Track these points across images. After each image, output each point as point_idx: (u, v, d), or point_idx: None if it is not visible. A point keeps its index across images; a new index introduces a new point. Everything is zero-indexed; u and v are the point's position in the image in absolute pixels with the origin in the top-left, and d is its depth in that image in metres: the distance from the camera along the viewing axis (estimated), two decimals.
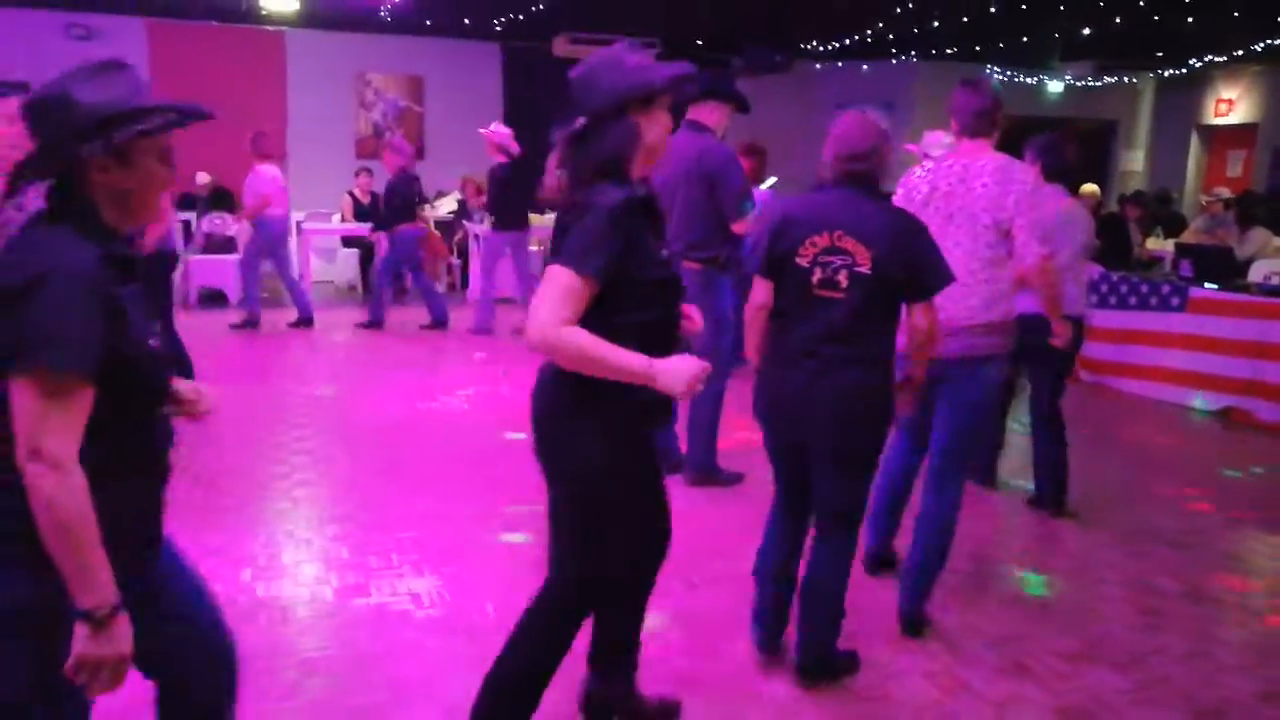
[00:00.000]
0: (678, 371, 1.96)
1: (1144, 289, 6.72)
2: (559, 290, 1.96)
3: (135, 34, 10.55)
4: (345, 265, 10.75)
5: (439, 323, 8.44)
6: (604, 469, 2.11)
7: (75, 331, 1.46)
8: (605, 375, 1.97)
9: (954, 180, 3.08)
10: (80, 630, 1.48)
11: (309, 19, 10.67)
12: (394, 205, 8.33)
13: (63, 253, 1.50)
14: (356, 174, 10.72)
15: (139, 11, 10.40)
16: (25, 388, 1.44)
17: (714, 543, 3.73)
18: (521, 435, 5.22)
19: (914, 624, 3.11)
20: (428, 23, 10.73)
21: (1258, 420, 5.93)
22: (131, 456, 1.63)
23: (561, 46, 11.49)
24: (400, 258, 8.52)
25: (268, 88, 11.31)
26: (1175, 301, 6.48)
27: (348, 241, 10.60)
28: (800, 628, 2.78)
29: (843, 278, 2.61)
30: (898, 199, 3.17)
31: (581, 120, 2.06)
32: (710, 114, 4.26)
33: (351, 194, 10.56)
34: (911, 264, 2.62)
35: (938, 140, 5.62)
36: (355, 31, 11.26)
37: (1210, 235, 8.87)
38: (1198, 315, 6.33)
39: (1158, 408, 6.39)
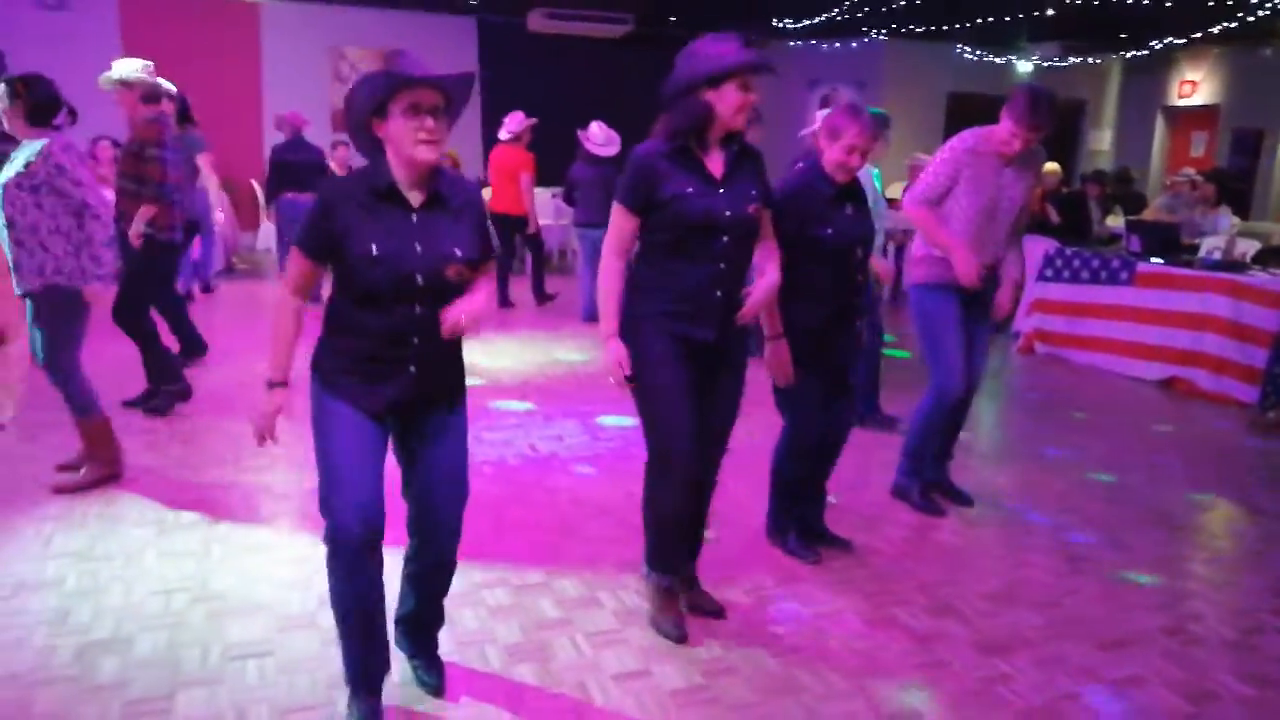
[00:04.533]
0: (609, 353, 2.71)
1: (1095, 263, 6.98)
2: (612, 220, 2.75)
3: (107, 4, 10.55)
4: None
5: None
6: None
7: None
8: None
9: None
10: None
11: None
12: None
13: None
14: (334, 147, 10.79)
15: None
16: None
17: None
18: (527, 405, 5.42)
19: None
20: None
21: (1199, 389, 6.21)
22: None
23: (537, 21, 11.58)
24: None
25: (242, 60, 11.34)
26: (1124, 275, 6.74)
27: None
28: None
29: None
30: None
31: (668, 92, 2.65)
32: None
33: (328, 167, 10.64)
34: None
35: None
36: (330, 4, 11.29)
37: (1171, 214, 9.14)
38: (1144, 289, 6.59)
39: (1106, 378, 6.66)
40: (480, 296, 2.28)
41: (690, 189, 2.64)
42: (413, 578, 2.53)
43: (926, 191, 3.82)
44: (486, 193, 10.12)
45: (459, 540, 2.48)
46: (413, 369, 2.26)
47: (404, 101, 2.13)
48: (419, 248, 2.20)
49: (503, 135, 8.31)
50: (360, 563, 2.26)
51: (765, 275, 2.84)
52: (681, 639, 2.89)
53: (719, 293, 2.73)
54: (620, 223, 2.72)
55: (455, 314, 2.20)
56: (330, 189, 2.24)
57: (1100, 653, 2.95)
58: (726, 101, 2.62)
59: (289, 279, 2.30)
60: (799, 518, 3.56)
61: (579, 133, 7.89)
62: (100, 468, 3.93)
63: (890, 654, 2.89)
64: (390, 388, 2.26)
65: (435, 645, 2.65)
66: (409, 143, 2.15)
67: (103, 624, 2.88)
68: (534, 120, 8.23)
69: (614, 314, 2.71)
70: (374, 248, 2.16)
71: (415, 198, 2.24)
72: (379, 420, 2.30)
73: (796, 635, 2.96)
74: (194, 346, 5.88)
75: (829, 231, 3.14)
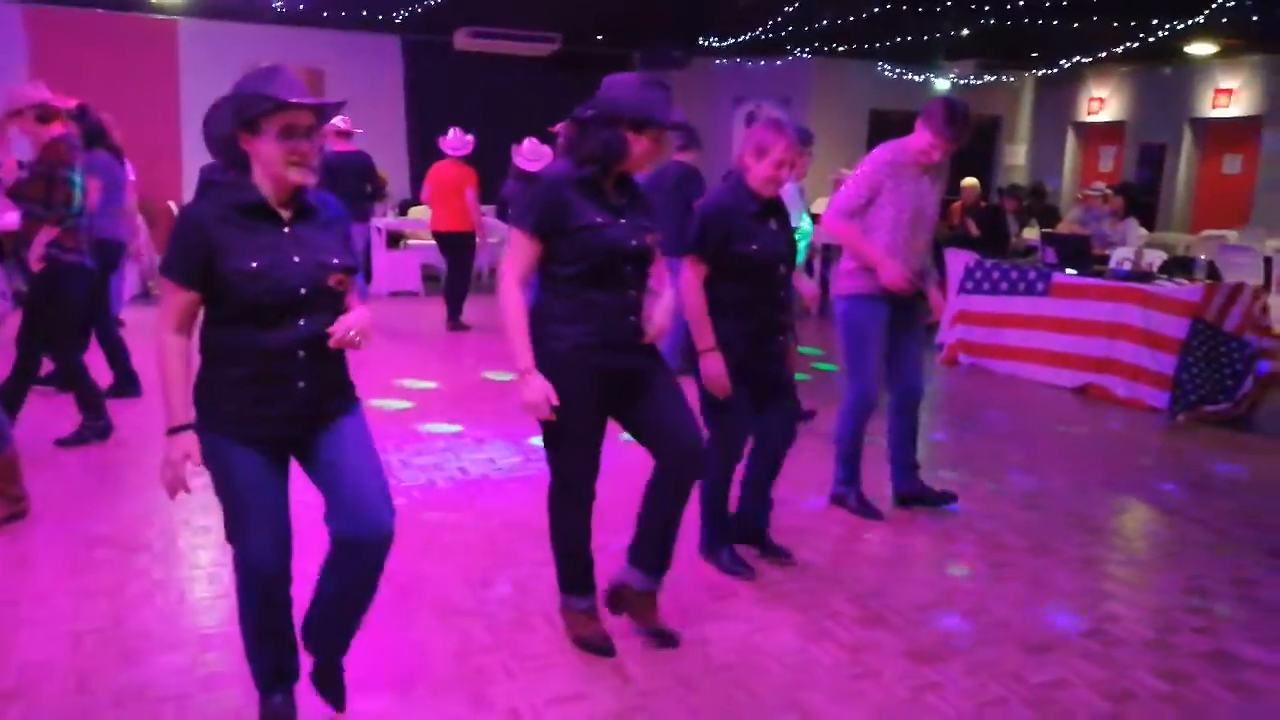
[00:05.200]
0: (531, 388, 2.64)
1: (1013, 275, 7.19)
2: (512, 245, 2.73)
3: (10, 21, 10.18)
4: None
5: None
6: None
7: None
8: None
9: None
10: None
11: (201, 8, 10.48)
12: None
13: None
14: None
15: None
16: None
17: None
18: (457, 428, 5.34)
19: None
20: (324, 14, 10.64)
21: (1112, 395, 6.43)
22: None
23: (462, 40, 11.52)
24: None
25: (158, 79, 11.04)
26: (1040, 286, 6.95)
27: None
28: None
29: None
30: None
31: (588, 114, 2.64)
32: None
33: None
34: None
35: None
36: (250, 22, 11.07)
37: (1083, 227, 9.47)
38: (1060, 299, 6.81)
39: (1026, 386, 6.86)
40: (364, 311, 2.29)
41: (599, 219, 2.67)
42: (336, 587, 2.36)
43: (846, 205, 3.90)
44: (421, 211, 10.00)
45: (390, 541, 2.32)
46: (301, 384, 2.23)
47: (279, 123, 2.12)
48: (297, 259, 2.19)
49: (450, 151, 8.24)
50: (273, 589, 2.30)
51: (661, 296, 2.88)
52: (610, 651, 2.89)
53: (631, 318, 2.78)
54: (524, 247, 2.69)
55: (343, 327, 2.19)
56: (192, 211, 2.20)
57: (1026, 656, 3.01)
58: (641, 146, 2.69)
59: (168, 317, 2.20)
60: (741, 525, 3.59)
61: (513, 148, 7.90)
62: (6, 505, 3.75)
63: (823, 667, 2.91)
64: (279, 407, 2.22)
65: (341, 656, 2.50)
66: (281, 164, 2.14)
67: (6, 671, 2.74)
68: (471, 136, 8.30)
69: (528, 345, 2.67)
70: (252, 263, 2.13)
71: (284, 212, 2.23)
72: (275, 446, 2.26)
73: (730, 652, 2.97)
74: (128, 384, 5.68)
75: (754, 247, 3.18)
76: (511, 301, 2.67)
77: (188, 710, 2.57)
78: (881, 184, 3.85)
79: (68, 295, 4.65)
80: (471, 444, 5.06)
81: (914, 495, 4.24)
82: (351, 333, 2.19)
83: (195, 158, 10.77)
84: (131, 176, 6.79)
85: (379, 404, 5.63)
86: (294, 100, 2.10)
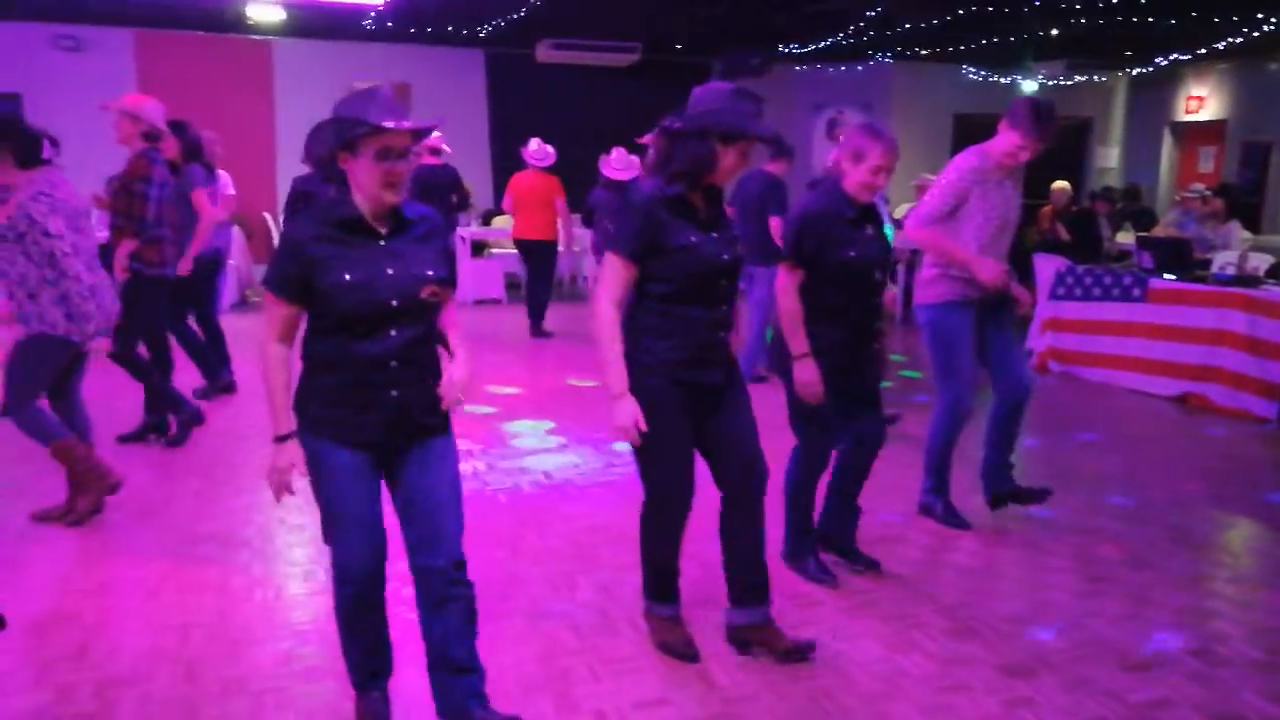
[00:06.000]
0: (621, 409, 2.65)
1: (1107, 280, 6.96)
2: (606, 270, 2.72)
3: (123, 44, 10.72)
4: None
5: None
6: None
7: None
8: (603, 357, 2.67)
9: None
10: None
11: (295, 28, 10.85)
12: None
13: None
14: None
15: (127, 22, 10.56)
16: None
17: None
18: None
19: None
20: (411, 30, 10.92)
21: (1213, 405, 6.16)
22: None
23: (544, 53, 11.69)
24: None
25: (255, 97, 11.48)
26: (1136, 292, 6.71)
27: None
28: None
29: None
30: None
31: (677, 126, 2.63)
32: None
33: None
34: None
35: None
36: (341, 40, 11.43)
37: (1182, 230, 9.11)
38: (1157, 305, 6.57)
39: (1120, 395, 6.62)
40: (461, 360, 2.39)
41: (694, 238, 2.67)
42: (432, 620, 2.41)
43: (932, 212, 3.83)
44: (504, 220, 10.19)
45: (464, 566, 2.41)
46: (394, 393, 2.29)
47: (376, 145, 2.19)
48: (390, 271, 2.25)
49: (535, 162, 8.41)
50: (367, 590, 2.37)
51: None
52: (695, 657, 2.90)
53: (722, 333, 2.79)
54: (621, 272, 2.68)
55: (452, 391, 2.32)
56: (293, 230, 2.29)
57: (1125, 675, 2.91)
58: (730, 159, 2.67)
59: (271, 327, 2.29)
60: (826, 535, 3.55)
61: (601, 158, 8.02)
62: (90, 491, 3.90)
63: (911, 678, 2.86)
64: (374, 414, 2.29)
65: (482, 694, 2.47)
66: (376, 185, 2.22)
67: (122, 659, 2.88)
68: (551, 148, 8.51)
69: (623, 369, 2.67)
70: (347, 275, 2.21)
71: (381, 227, 2.30)
72: (370, 452, 2.32)
73: (816, 661, 2.94)
74: (219, 377, 5.94)
75: (852, 254, 3.16)
76: (607, 324, 2.67)
77: (288, 701, 2.66)
78: (969, 191, 3.77)
79: (147, 308, 4.85)
80: (556, 449, 5.13)
81: (1009, 494, 4.12)
82: (456, 392, 2.34)
83: (289, 171, 11.14)
84: (231, 190, 7.07)
85: (466, 408, 5.74)
86: (390, 125, 2.17)
